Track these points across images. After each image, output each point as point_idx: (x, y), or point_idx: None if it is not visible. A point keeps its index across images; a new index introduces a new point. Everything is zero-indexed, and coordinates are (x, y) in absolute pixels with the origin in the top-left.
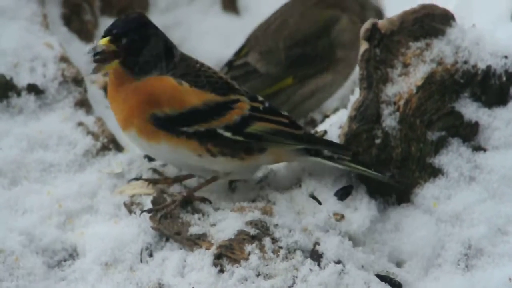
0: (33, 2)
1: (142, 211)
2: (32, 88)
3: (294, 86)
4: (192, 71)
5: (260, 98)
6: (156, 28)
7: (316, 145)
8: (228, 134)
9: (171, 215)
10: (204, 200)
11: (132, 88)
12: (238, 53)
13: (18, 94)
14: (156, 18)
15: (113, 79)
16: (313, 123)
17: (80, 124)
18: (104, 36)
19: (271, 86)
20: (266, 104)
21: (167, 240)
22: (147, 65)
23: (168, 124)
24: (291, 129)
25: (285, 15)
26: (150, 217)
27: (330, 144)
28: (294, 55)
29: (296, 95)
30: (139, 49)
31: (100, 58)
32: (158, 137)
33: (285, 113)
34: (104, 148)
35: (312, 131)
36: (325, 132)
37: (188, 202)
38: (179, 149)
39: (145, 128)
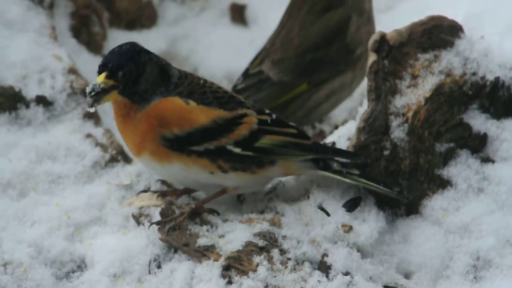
0: (42, 14)
1: (151, 223)
2: (41, 100)
3: (309, 92)
4: (197, 89)
5: (267, 111)
6: (149, 53)
7: (325, 154)
8: (237, 150)
9: (180, 227)
10: (212, 211)
11: (139, 116)
12: (253, 62)
13: (27, 105)
14: (164, 30)
15: (117, 111)
16: (322, 135)
17: (89, 135)
18: (100, 72)
19: (285, 94)
20: (273, 116)
21: (175, 251)
22: (146, 92)
23: (178, 144)
24: (300, 139)
25: (287, 28)
26: (159, 229)
27: (339, 152)
28: (306, 62)
29: (311, 100)
30: (137, 78)
31: (100, 95)
32: (169, 158)
33: (292, 124)
34: (113, 160)
35: (321, 143)
36: (334, 143)
37: (197, 214)
38: (190, 168)
39: (157, 150)
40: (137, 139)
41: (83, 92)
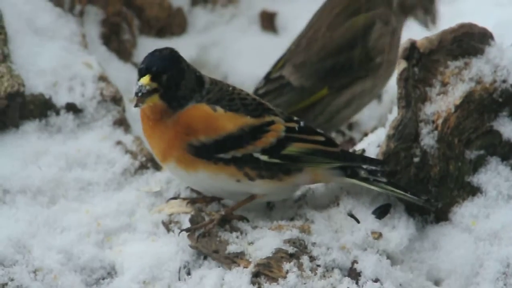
0: (72, 22)
1: (181, 230)
2: (71, 107)
3: (330, 97)
4: (226, 95)
5: (295, 118)
6: (185, 61)
7: (353, 162)
8: (265, 158)
9: (209, 234)
10: (242, 218)
11: (170, 121)
12: (275, 66)
13: (57, 113)
14: (194, 37)
15: (149, 115)
16: (352, 142)
17: (119, 143)
18: (143, 74)
19: (305, 99)
20: (301, 124)
21: (205, 258)
22: (184, 98)
23: (205, 152)
24: (328, 147)
25: (314, 28)
26: (188, 236)
27: (367, 160)
28: (327, 66)
29: (332, 106)
30: (178, 83)
31: (144, 96)
32: (196, 165)
33: (320, 131)
34: (142, 167)
35: (351, 150)
36: (363, 150)
37: (226, 221)
38: (217, 176)
39: (183, 157)
40: (163, 145)
41: (113, 100)
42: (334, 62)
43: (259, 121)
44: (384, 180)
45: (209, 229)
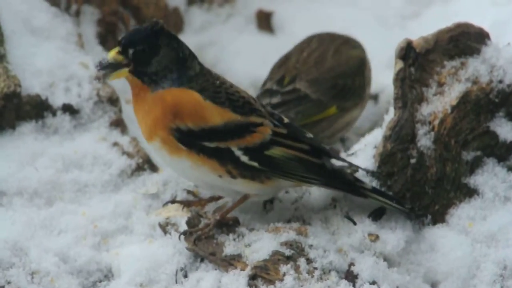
0: (68, 22)
1: (180, 234)
2: (67, 108)
3: (336, 115)
4: (211, 87)
5: (286, 120)
6: (170, 38)
7: (329, 180)
8: (244, 159)
9: (206, 237)
10: (236, 220)
11: (152, 98)
12: (281, 81)
13: (54, 114)
14: (191, 37)
15: (132, 90)
16: (344, 144)
17: (115, 144)
18: (114, 47)
19: (319, 113)
20: (290, 127)
21: (202, 260)
22: (156, 75)
23: (190, 138)
24: (310, 156)
25: (321, 49)
26: (185, 238)
27: (346, 183)
28: (339, 86)
29: (338, 123)
30: (147, 59)
31: (108, 69)
32: (179, 152)
33: (308, 139)
34: (139, 168)
35: (345, 155)
36: (356, 169)
37: (222, 224)
38: (199, 167)
39: (168, 140)
40: (149, 122)
41: (109, 100)
42: (343, 83)
43: (244, 119)
44: (369, 187)
45: (205, 233)
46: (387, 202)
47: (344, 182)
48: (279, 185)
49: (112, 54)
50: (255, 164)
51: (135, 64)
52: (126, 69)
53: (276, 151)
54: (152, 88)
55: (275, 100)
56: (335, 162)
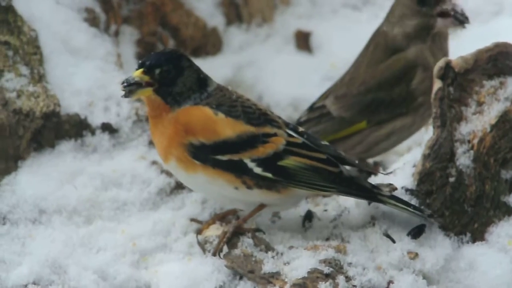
0: (108, 42)
1: (214, 253)
2: (106, 127)
3: (369, 129)
4: (228, 101)
5: (301, 129)
6: (189, 61)
7: (346, 189)
8: (258, 170)
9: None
10: (257, 230)
11: (168, 119)
12: (320, 97)
13: (92, 133)
14: (229, 57)
15: (150, 112)
16: (378, 165)
17: (154, 163)
18: (137, 69)
19: (343, 129)
20: (305, 136)
21: (240, 278)
22: (181, 95)
23: (204, 153)
24: (327, 165)
25: (356, 64)
26: (224, 255)
27: (364, 190)
28: (367, 101)
29: (371, 137)
30: (173, 79)
31: (133, 89)
32: (195, 167)
33: (324, 147)
34: (178, 187)
35: (384, 174)
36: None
37: (239, 233)
38: (216, 181)
39: (183, 157)
40: (164, 142)
41: (148, 119)
42: (374, 97)
43: (258, 130)
44: (388, 194)
45: (224, 243)
46: (406, 208)
47: (361, 189)
48: (296, 194)
49: (138, 74)
50: (269, 175)
51: (160, 83)
52: (150, 88)
53: (290, 161)
54: (173, 108)
55: (303, 118)
56: (353, 170)
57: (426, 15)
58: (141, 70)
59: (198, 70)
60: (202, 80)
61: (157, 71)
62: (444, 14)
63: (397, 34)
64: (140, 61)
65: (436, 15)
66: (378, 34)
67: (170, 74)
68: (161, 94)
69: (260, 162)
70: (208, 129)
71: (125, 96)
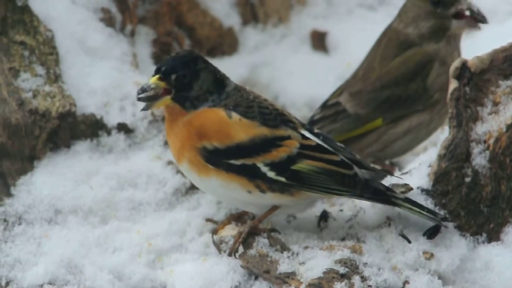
0: (123, 42)
1: (229, 253)
2: (122, 127)
3: (385, 127)
4: (245, 102)
5: (316, 131)
6: (206, 62)
7: (361, 192)
8: (271, 175)
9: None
10: (272, 230)
11: (184, 121)
12: (333, 94)
13: (108, 133)
14: (245, 57)
15: (167, 115)
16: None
17: (170, 163)
18: (153, 75)
19: (359, 127)
20: (321, 138)
21: (256, 278)
22: (198, 99)
23: (217, 157)
24: (341, 168)
25: (369, 60)
26: (240, 256)
27: (378, 193)
28: (383, 97)
29: (388, 135)
30: (189, 84)
31: (150, 96)
32: (208, 171)
33: (340, 149)
34: (193, 187)
35: (399, 174)
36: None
37: (255, 234)
38: (228, 184)
39: (195, 160)
40: (178, 144)
41: (164, 119)
42: (389, 94)
43: (272, 133)
44: (402, 196)
45: (240, 243)
46: (419, 211)
47: (375, 192)
48: (309, 197)
49: (154, 80)
50: (283, 179)
51: (177, 89)
52: (168, 97)
53: (303, 165)
54: (190, 112)
55: (317, 116)
56: (367, 171)
57: (441, 17)
58: (157, 76)
59: (214, 71)
60: (220, 81)
61: (173, 77)
62: (459, 15)
63: (411, 33)
64: (156, 67)
65: (451, 16)
66: (390, 30)
67: (186, 79)
68: (179, 100)
69: (273, 166)
70: (221, 133)
71: (145, 109)
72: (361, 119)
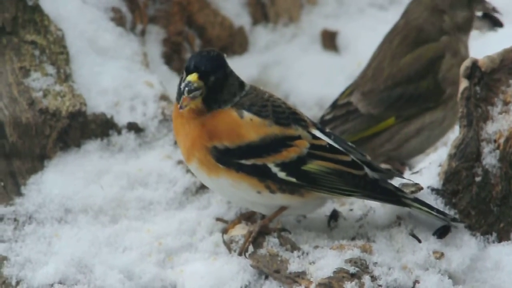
0: (134, 41)
1: (240, 253)
2: (132, 127)
3: (398, 125)
4: (260, 101)
5: (328, 130)
6: (229, 65)
7: (371, 192)
8: (282, 175)
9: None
10: (282, 230)
11: (198, 121)
12: (343, 93)
13: (119, 132)
14: (255, 57)
15: (182, 114)
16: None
17: (180, 162)
18: (191, 72)
19: (371, 127)
20: (332, 137)
21: (266, 278)
22: (225, 102)
23: (227, 157)
24: (351, 168)
25: (379, 59)
26: (250, 255)
27: (388, 194)
28: (395, 95)
29: (401, 134)
30: (221, 86)
31: (195, 95)
32: (218, 171)
33: (350, 149)
34: (204, 186)
35: (409, 173)
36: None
37: (264, 233)
38: (238, 185)
39: (205, 160)
40: (188, 143)
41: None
42: (402, 92)
43: (283, 132)
44: (411, 197)
45: (250, 242)
46: (429, 212)
47: (385, 192)
48: (319, 198)
49: (195, 79)
50: (293, 179)
51: (211, 91)
52: (200, 98)
53: (313, 166)
54: (210, 111)
55: (328, 116)
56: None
57: (473, 11)
58: (196, 74)
59: (236, 75)
60: (241, 84)
61: (212, 78)
62: (486, 14)
63: (444, 20)
64: (190, 64)
65: (476, 12)
66: (406, 26)
67: (220, 81)
68: (208, 101)
69: (284, 166)
70: (232, 133)
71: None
72: (374, 118)
